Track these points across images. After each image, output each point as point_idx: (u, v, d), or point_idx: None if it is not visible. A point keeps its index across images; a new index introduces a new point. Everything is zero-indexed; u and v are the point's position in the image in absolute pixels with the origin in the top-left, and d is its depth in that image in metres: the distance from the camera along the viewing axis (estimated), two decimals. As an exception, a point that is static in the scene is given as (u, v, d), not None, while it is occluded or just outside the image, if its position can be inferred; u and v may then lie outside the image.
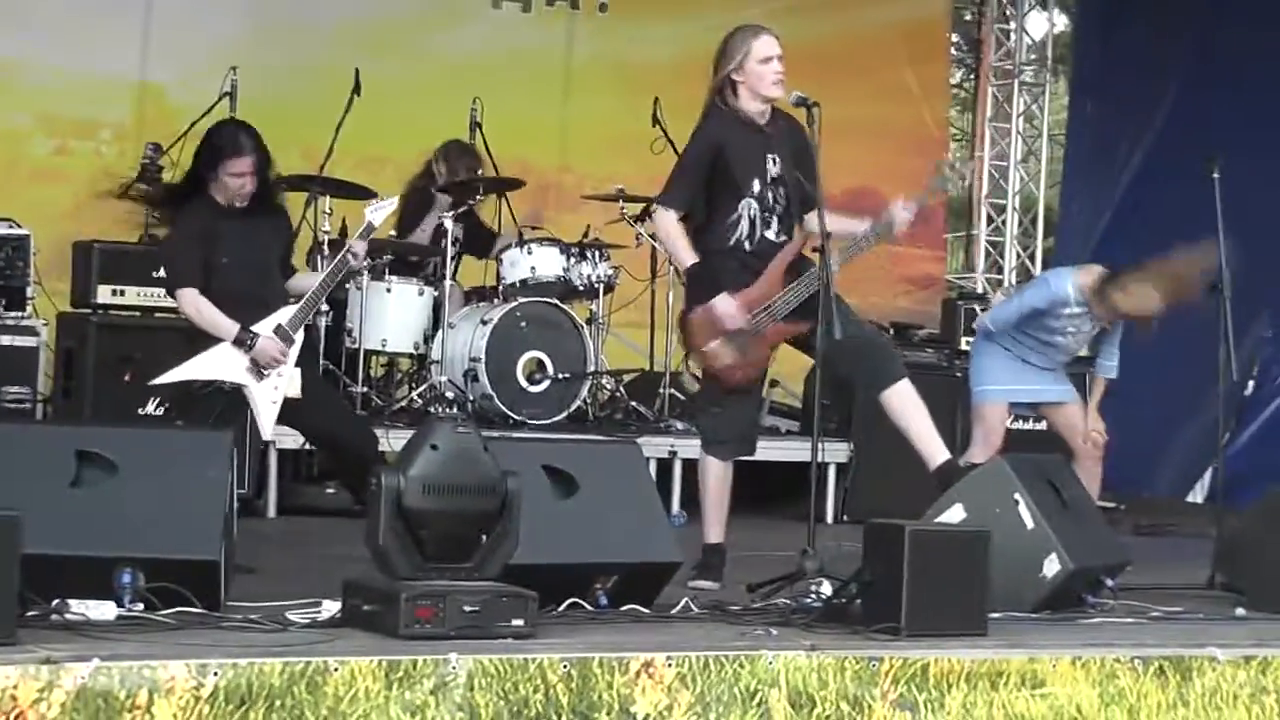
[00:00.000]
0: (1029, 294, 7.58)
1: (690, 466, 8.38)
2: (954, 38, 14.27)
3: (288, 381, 6.36)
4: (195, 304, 6.35)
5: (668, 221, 6.15)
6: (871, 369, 6.20)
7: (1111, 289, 7.22)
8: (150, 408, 7.31)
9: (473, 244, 9.55)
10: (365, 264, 7.66)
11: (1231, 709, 4.83)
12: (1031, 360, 7.52)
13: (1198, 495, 11.89)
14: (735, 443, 6.21)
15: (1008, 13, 13.15)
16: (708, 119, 6.19)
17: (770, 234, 6.15)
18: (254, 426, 6.49)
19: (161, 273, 7.45)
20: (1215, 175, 6.97)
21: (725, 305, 6.07)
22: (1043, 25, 13.66)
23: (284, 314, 6.42)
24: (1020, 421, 8.70)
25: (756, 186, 6.12)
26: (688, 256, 6.08)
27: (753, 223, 6.13)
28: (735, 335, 6.10)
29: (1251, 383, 11.93)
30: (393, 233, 9.06)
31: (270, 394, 6.33)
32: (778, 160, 6.16)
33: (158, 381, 6.40)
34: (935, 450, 6.11)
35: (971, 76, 14.48)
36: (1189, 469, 11.91)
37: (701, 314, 6.11)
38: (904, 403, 6.14)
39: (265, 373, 6.32)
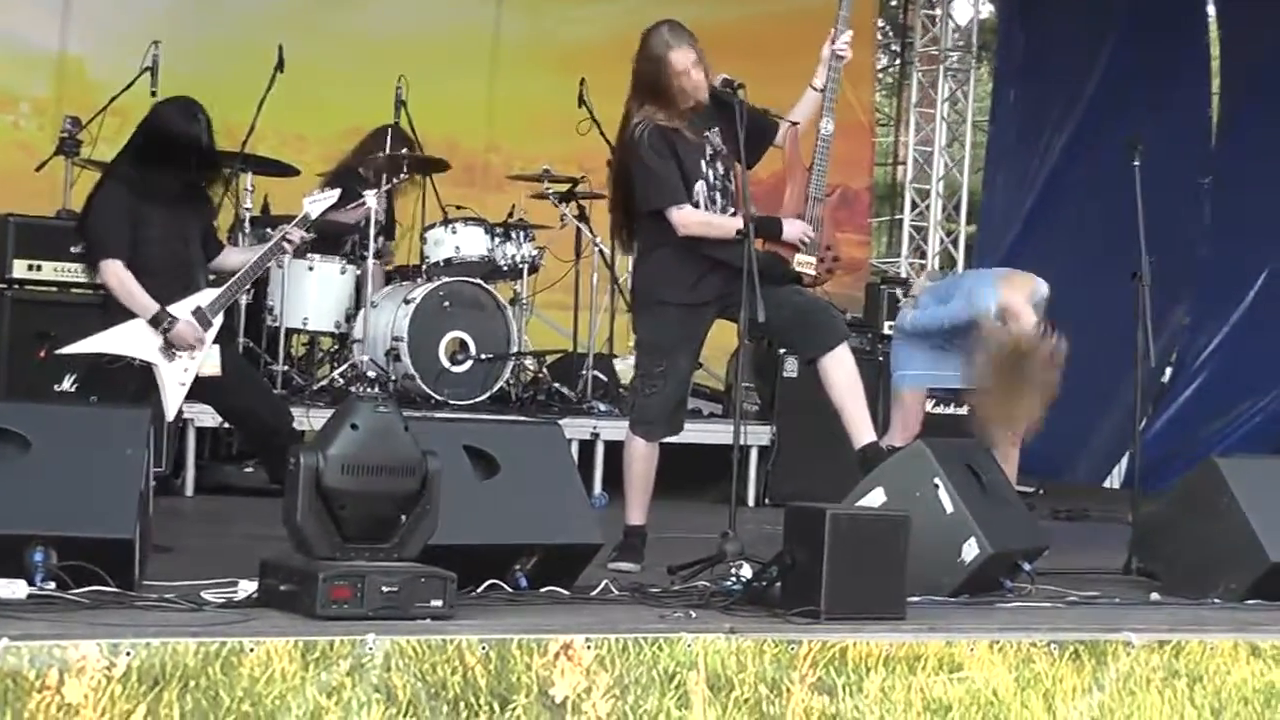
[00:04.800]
0: (953, 309, 7.53)
1: (612, 448, 8.39)
2: (880, 23, 14.34)
3: (199, 363, 6.29)
4: (119, 275, 6.26)
5: (688, 215, 6.08)
6: (808, 337, 6.21)
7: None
8: (66, 384, 7.22)
9: (386, 229, 9.47)
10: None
11: (1145, 692, 4.87)
12: (951, 348, 7.54)
13: (1114, 480, 12.04)
14: (663, 424, 6.21)
15: (933, -1, 13.22)
16: (641, 126, 6.12)
17: (717, 209, 6.14)
18: (168, 405, 6.42)
19: (79, 247, 7.36)
20: (1136, 163, 7.00)
21: (794, 228, 6.15)
22: (968, 11, 13.73)
23: (204, 296, 6.35)
24: (940, 406, 8.75)
25: (703, 167, 6.13)
26: (732, 221, 6.03)
27: (705, 201, 6.12)
28: (812, 242, 6.21)
29: (1169, 369, 12.09)
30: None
31: (179, 375, 6.26)
32: (713, 134, 6.16)
33: (66, 350, 6.33)
34: (862, 432, 6.12)
35: (897, 62, 14.55)
36: (1106, 454, 12.06)
37: None
38: (841, 377, 6.14)
39: (177, 354, 6.26)
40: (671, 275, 6.15)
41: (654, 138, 6.07)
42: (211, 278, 6.48)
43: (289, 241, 6.67)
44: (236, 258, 6.69)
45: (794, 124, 6.28)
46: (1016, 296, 7.36)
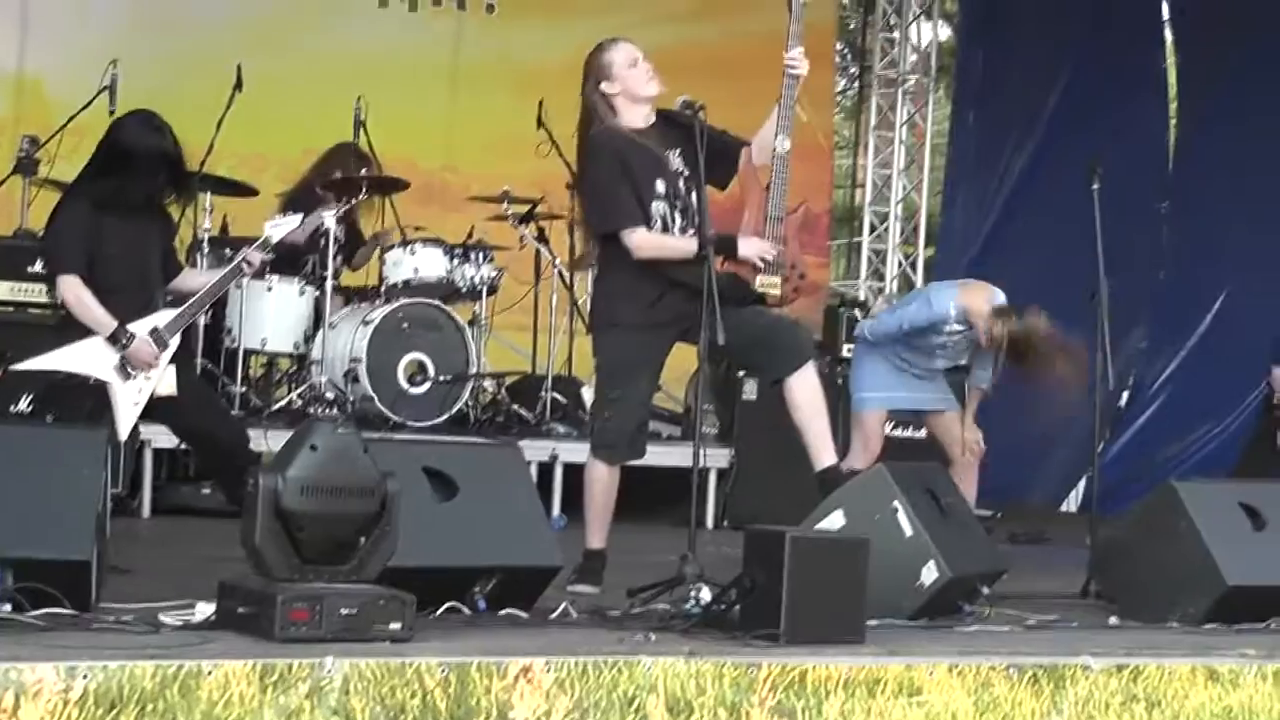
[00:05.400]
0: (911, 310, 7.60)
1: (571, 470, 8.37)
2: (838, 46, 14.38)
3: (154, 383, 6.27)
4: (77, 292, 6.24)
5: (642, 238, 6.04)
6: (772, 358, 6.18)
7: (1009, 326, 7.24)
8: (22, 404, 7.18)
9: (347, 249, 9.44)
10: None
11: (1103, 716, 4.88)
12: (911, 369, 7.57)
13: (1071, 504, 12.07)
14: (624, 447, 6.18)
15: (892, 22, 13.25)
16: (597, 142, 6.13)
17: (675, 230, 6.11)
18: (124, 426, 6.38)
19: (37, 266, 7.32)
20: (1095, 186, 7.03)
21: (750, 245, 6.09)
22: (927, 34, 13.78)
23: (162, 317, 6.33)
24: (900, 429, 8.76)
25: (661, 186, 6.10)
26: (689, 243, 5.99)
27: (663, 221, 6.11)
28: (776, 262, 6.15)
29: (1126, 392, 12.14)
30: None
31: (134, 395, 6.23)
32: (674, 155, 6.14)
33: (20, 367, 6.30)
34: (823, 454, 6.10)
35: (855, 84, 14.59)
36: (1063, 478, 12.08)
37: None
38: (806, 397, 6.10)
39: (133, 373, 6.23)
40: (629, 296, 6.12)
41: (608, 155, 6.06)
42: (169, 299, 6.45)
43: (248, 264, 6.66)
44: (195, 280, 6.67)
45: (746, 144, 6.26)
46: (976, 300, 7.40)
